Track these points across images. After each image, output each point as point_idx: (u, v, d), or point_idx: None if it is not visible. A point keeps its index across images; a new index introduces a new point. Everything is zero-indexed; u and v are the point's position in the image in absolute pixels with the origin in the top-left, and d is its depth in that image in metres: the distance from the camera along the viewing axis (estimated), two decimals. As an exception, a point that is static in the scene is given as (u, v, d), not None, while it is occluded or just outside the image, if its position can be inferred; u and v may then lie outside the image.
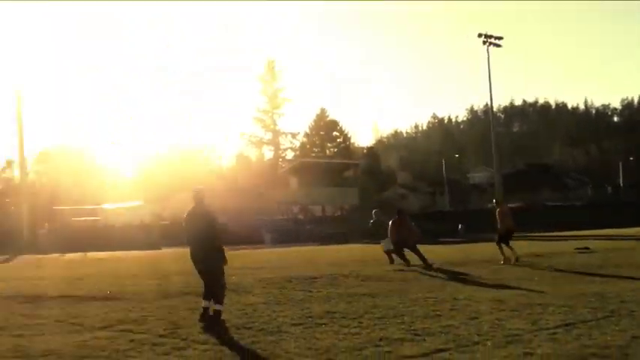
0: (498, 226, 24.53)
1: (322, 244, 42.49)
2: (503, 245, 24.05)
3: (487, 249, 30.61)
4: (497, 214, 24.81)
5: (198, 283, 17.99)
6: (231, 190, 70.72)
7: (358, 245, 38.11)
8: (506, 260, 23.39)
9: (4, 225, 55.64)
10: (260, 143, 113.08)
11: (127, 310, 14.03)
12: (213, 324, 11.93)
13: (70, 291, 17.65)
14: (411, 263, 23.01)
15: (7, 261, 37.62)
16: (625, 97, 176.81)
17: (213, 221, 12.77)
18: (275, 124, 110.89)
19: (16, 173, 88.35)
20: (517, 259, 23.61)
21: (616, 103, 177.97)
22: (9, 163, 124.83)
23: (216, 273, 12.50)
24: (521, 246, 28.61)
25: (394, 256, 23.98)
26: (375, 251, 29.60)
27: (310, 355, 9.38)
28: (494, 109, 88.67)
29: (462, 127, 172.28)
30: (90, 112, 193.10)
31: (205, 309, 12.37)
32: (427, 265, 22.25)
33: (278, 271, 20.99)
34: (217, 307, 12.28)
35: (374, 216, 26.90)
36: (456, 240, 43.75)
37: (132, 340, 10.60)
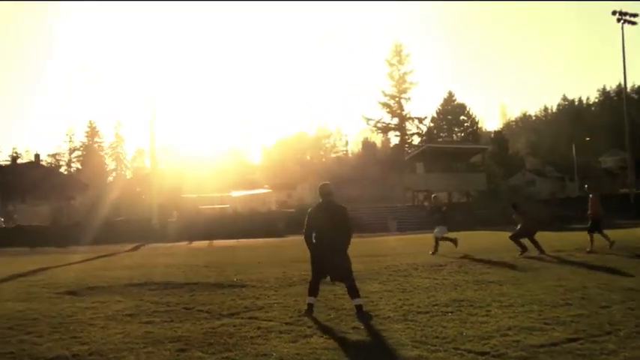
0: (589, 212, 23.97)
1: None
2: (596, 233, 23.47)
3: (618, 236, 29.79)
4: (589, 200, 24.18)
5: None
6: (357, 177, 70.88)
7: (485, 232, 37.58)
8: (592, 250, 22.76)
9: (135, 214, 57.13)
10: (386, 129, 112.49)
11: (253, 298, 14.21)
12: (361, 318, 11.71)
13: (197, 278, 18.00)
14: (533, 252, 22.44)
15: (136, 249, 38.67)
16: None
17: (346, 216, 12.50)
18: (402, 109, 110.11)
19: (146, 163, 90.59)
20: (611, 245, 23.04)
21: None
22: (139, 153, 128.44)
23: (347, 269, 12.32)
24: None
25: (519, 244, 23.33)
26: (501, 238, 29.18)
27: (437, 343, 9.34)
28: (628, 90, 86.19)
29: (593, 109, 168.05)
30: (218, 100, 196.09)
31: (310, 305, 12.31)
32: (541, 252, 21.87)
33: (404, 259, 20.91)
34: (357, 302, 12.11)
35: (433, 201, 26.34)
36: (586, 227, 42.59)
37: (258, 328, 10.73)
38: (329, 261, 12.15)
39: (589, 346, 8.95)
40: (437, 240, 24.33)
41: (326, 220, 12.20)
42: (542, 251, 21.94)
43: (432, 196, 27.01)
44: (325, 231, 12.13)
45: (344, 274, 12.13)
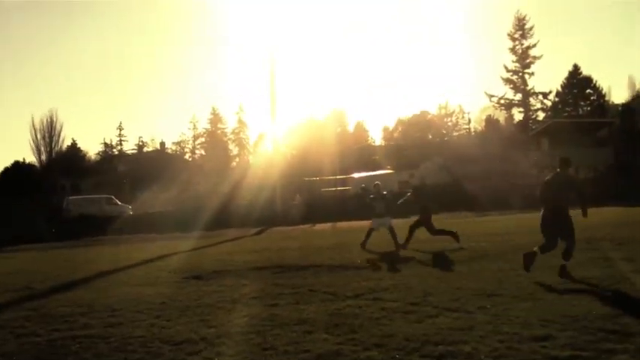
0: None
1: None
2: None
3: None
4: None
5: (456, 252, 18.12)
6: (480, 155, 70.00)
7: (613, 208, 36.64)
8: None
9: (258, 197, 57.85)
10: (510, 105, 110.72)
11: (377, 279, 14.23)
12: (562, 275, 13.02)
13: (321, 261, 18.11)
14: None
15: (260, 233, 39.22)
16: None
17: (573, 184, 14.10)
18: (525, 84, 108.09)
19: (268, 147, 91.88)
20: None
21: None
22: (261, 138, 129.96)
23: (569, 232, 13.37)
24: None
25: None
26: (630, 213, 28.46)
27: (565, 322, 9.16)
28: None
29: None
30: (336, 81, 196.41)
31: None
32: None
33: (529, 237, 20.56)
34: (563, 262, 13.18)
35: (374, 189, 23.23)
36: None
37: (383, 308, 10.76)
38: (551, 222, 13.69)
39: None
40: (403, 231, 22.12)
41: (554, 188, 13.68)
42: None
43: (375, 183, 23.77)
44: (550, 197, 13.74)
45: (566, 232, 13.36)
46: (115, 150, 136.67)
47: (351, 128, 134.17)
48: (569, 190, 13.81)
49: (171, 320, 10.85)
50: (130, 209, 65.31)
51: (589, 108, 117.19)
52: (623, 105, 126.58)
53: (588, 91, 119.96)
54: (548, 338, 8.33)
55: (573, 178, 14.22)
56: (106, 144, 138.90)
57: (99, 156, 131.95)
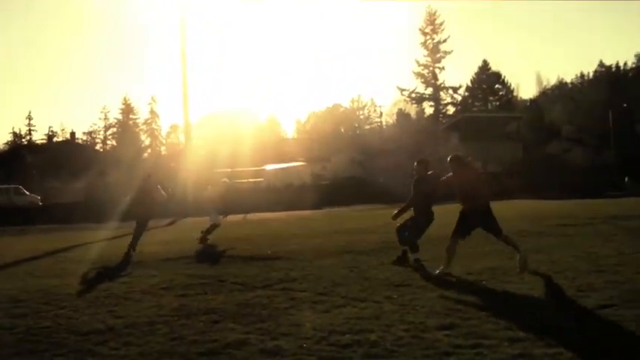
0: None
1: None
2: None
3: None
4: None
5: (356, 242, 18.27)
6: (391, 148, 70.71)
7: (522, 201, 37.42)
8: None
9: (169, 189, 57.45)
10: (420, 99, 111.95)
11: (287, 270, 14.27)
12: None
13: (231, 251, 18.09)
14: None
15: (172, 224, 38.95)
16: None
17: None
18: (436, 79, 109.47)
19: (180, 138, 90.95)
20: None
21: None
22: (173, 129, 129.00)
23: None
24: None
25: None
26: (537, 206, 29.09)
27: (469, 311, 9.37)
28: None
29: (630, 74, 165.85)
30: (249, 73, 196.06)
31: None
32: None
33: (438, 229, 20.85)
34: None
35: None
36: (623, 193, 42.32)
37: (292, 299, 10.80)
38: None
39: (622, 312, 8.92)
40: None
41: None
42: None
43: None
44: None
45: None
46: (24, 140, 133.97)
47: (263, 121, 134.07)
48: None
49: (78, 311, 10.70)
50: (39, 200, 64.21)
51: (498, 103, 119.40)
52: (531, 100, 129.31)
53: (497, 86, 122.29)
54: (453, 327, 8.46)
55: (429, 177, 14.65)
56: (14, 134, 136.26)
57: (7, 146, 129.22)
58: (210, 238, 21.25)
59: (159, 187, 20.03)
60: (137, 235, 19.12)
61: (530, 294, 10.46)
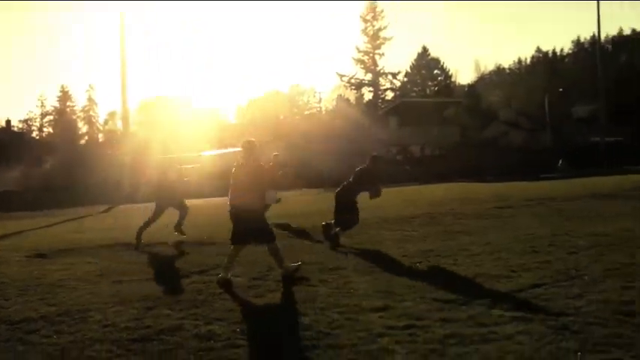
0: None
1: (421, 184, 42.27)
2: None
3: (589, 183, 30.05)
4: None
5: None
6: (330, 133, 70.74)
7: (458, 184, 37.74)
8: None
9: (107, 176, 56.77)
10: (360, 85, 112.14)
11: (222, 255, 14.11)
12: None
13: (167, 238, 17.93)
14: None
15: (108, 211, 38.55)
16: None
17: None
18: (375, 65, 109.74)
19: (118, 125, 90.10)
20: None
21: None
22: (111, 115, 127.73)
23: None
24: (623, 180, 27.99)
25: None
26: (477, 189, 29.37)
27: (404, 293, 9.42)
28: (602, 40, 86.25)
29: (566, 60, 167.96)
30: (188, 59, 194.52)
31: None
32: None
33: (375, 212, 20.95)
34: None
35: None
36: (557, 176, 42.95)
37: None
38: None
39: (554, 291, 9.07)
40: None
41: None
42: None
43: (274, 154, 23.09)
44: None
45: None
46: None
47: (203, 107, 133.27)
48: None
49: (10, 299, 10.53)
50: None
51: (436, 88, 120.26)
52: (469, 86, 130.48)
53: (436, 71, 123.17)
54: (386, 309, 8.52)
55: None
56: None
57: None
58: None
59: (179, 171, 19.86)
60: (153, 219, 18.91)
61: (463, 275, 10.55)
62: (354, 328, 7.76)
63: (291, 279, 10.75)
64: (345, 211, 14.96)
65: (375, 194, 15.18)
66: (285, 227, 18.40)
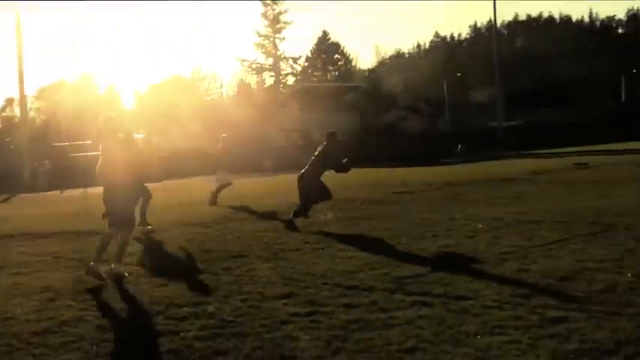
0: None
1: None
2: None
3: (486, 168, 30.67)
4: None
5: (195, 214, 18.07)
6: (232, 119, 70.46)
7: (361, 170, 38.04)
8: None
9: (5, 164, 55.48)
10: (261, 69, 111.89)
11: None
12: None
13: (69, 227, 17.56)
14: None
15: (6, 200, 37.65)
16: (631, 8, 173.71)
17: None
18: (276, 49, 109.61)
19: (16, 111, 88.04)
20: None
21: (621, 15, 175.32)
22: (9, 102, 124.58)
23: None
24: (520, 164, 28.64)
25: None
26: (377, 174, 29.66)
27: (307, 279, 9.50)
28: (498, 26, 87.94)
29: (464, 45, 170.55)
30: (87, 43, 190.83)
31: None
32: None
33: (277, 199, 21.00)
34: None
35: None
36: (456, 160, 43.65)
37: (130, 274, 10.64)
38: None
39: (453, 275, 9.27)
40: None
41: None
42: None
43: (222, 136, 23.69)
44: None
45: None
46: None
47: (102, 92, 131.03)
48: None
49: None
50: None
51: (337, 73, 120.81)
52: (370, 70, 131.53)
53: (336, 56, 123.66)
54: (290, 296, 8.57)
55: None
56: None
57: None
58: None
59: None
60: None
61: (365, 261, 10.67)
62: (258, 315, 7.79)
63: (113, 278, 10.40)
64: (313, 192, 15.18)
65: (343, 169, 15.64)
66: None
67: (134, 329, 7.65)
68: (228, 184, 21.67)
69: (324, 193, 15.27)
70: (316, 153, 15.39)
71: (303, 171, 15.34)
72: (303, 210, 15.18)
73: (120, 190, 10.80)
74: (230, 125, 66.69)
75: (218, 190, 21.29)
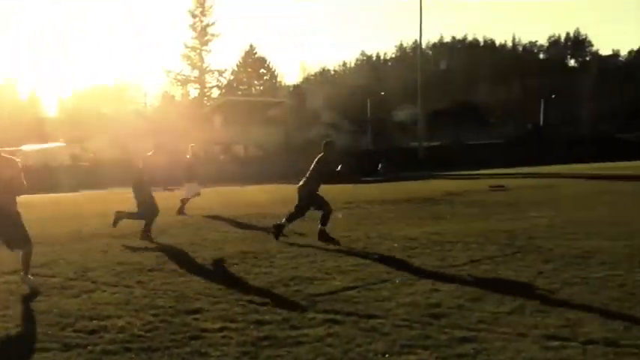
0: None
1: (244, 184, 42.35)
2: None
3: (405, 187, 30.98)
4: None
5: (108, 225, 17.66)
6: (156, 130, 70.01)
7: (279, 186, 38.08)
8: None
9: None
10: (186, 81, 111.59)
11: (39, 254, 13.70)
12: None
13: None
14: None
15: None
16: (552, 35, 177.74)
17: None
18: (202, 61, 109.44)
19: None
20: None
21: (543, 40, 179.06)
22: None
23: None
24: (437, 185, 29.00)
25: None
26: (295, 191, 29.69)
27: (219, 295, 9.49)
28: (423, 46, 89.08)
29: (389, 64, 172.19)
30: (8, 47, 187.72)
31: None
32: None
33: (196, 212, 20.95)
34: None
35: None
36: (377, 179, 44.07)
37: (41, 285, 10.49)
38: None
39: (365, 294, 9.36)
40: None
41: None
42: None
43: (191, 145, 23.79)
44: None
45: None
46: None
47: (23, 98, 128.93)
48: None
49: None
50: None
51: (262, 87, 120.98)
52: (295, 86, 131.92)
53: (262, 71, 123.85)
54: (201, 311, 8.55)
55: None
56: None
57: None
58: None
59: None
60: None
61: (279, 277, 10.70)
62: (168, 330, 7.76)
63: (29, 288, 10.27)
64: (314, 205, 15.12)
65: (340, 177, 15.84)
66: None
67: (41, 342, 7.53)
68: (197, 195, 21.71)
69: (323, 206, 15.04)
70: (313, 164, 15.28)
71: (301, 183, 15.32)
72: (291, 218, 15.28)
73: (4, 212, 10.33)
74: (152, 136, 66.28)
75: (186, 201, 21.34)
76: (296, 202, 15.34)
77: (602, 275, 10.35)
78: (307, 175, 15.24)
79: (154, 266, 11.96)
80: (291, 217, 15.21)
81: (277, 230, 14.94)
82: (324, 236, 14.52)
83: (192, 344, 7.24)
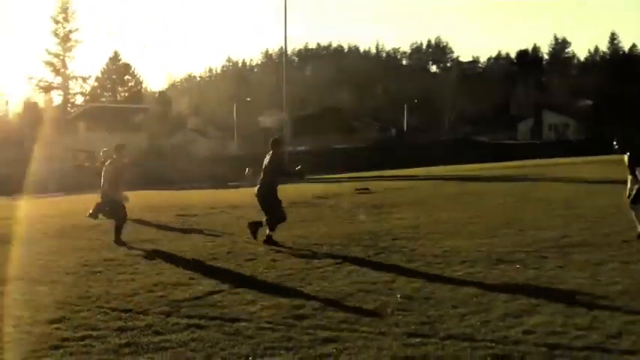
0: None
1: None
2: None
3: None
4: None
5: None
6: (18, 138, 68.22)
7: (141, 192, 37.66)
8: None
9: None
10: (49, 88, 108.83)
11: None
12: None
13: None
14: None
15: None
16: (414, 42, 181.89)
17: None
18: (66, 68, 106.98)
19: None
20: None
21: (406, 47, 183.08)
22: None
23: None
24: (304, 189, 29.18)
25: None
26: (160, 197, 29.46)
27: (81, 303, 9.38)
28: (288, 53, 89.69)
29: (256, 70, 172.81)
30: None
31: None
32: None
33: (61, 220, 20.51)
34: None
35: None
36: (243, 184, 44.00)
37: None
38: None
39: (229, 297, 9.42)
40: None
41: None
42: None
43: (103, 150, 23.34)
44: None
45: None
46: None
47: None
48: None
49: None
50: None
51: (127, 94, 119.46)
52: (160, 92, 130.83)
53: (127, 77, 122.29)
54: (63, 320, 8.42)
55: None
56: None
57: None
58: None
59: None
60: None
61: (143, 283, 10.59)
62: (29, 340, 7.61)
63: None
64: (270, 209, 14.88)
65: (297, 175, 16.26)
66: None
67: None
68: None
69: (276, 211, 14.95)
70: (265, 163, 15.17)
71: (258, 186, 15.15)
72: (276, 220, 14.84)
73: None
74: (13, 144, 64.59)
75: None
76: (260, 208, 15.30)
77: (462, 273, 10.72)
78: (261, 176, 15.22)
79: (17, 276, 11.63)
80: (272, 224, 14.87)
81: (271, 243, 14.53)
82: (270, 241, 14.55)
83: (53, 354, 7.12)
